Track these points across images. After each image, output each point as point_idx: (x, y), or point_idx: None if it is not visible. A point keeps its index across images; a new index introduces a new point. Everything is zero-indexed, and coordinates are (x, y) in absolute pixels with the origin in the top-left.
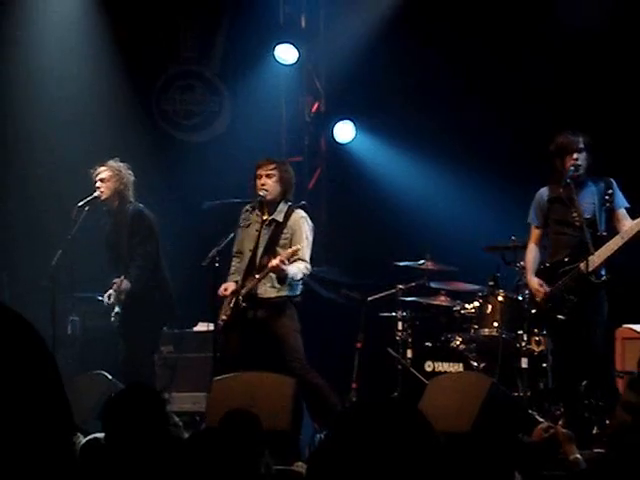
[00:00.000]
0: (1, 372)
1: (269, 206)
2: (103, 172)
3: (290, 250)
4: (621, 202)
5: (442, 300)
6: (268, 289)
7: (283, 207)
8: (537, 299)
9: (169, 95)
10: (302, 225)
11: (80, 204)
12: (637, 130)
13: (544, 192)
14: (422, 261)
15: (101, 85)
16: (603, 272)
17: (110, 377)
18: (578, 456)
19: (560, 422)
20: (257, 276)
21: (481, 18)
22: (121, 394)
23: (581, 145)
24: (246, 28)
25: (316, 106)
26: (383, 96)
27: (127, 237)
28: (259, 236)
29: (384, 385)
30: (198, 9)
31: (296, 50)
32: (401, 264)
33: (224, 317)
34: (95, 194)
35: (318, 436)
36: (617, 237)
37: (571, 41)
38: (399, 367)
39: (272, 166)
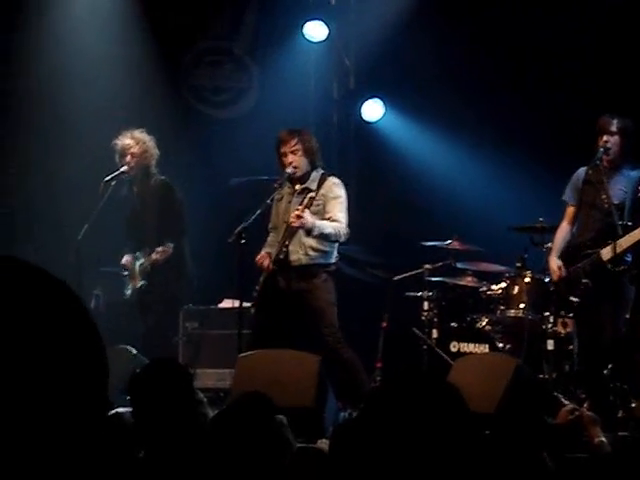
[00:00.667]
0: (47, 336)
1: (301, 178)
2: (130, 147)
3: (306, 199)
4: None
5: (469, 281)
6: (301, 256)
7: (316, 175)
8: (553, 280)
9: (198, 71)
10: (334, 189)
11: (107, 179)
12: None
13: (582, 172)
14: (449, 241)
15: (130, 61)
16: (629, 258)
17: (134, 351)
18: (603, 439)
19: (585, 405)
20: (286, 242)
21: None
22: (147, 368)
23: (613, 128)
24: (276, 5)
25: (345, 84)
26: (412, 74)
27: (156, 209)
28: (291, 206)
29: (409, 365)
30: None
31: (326, 27)
32: (428, 244)
33: (257, 288)
34: (123, 169)
35: (342, 414)
36: (635, 232)
37: (611, 15)
38: (424, 347)
39: (294, 141)
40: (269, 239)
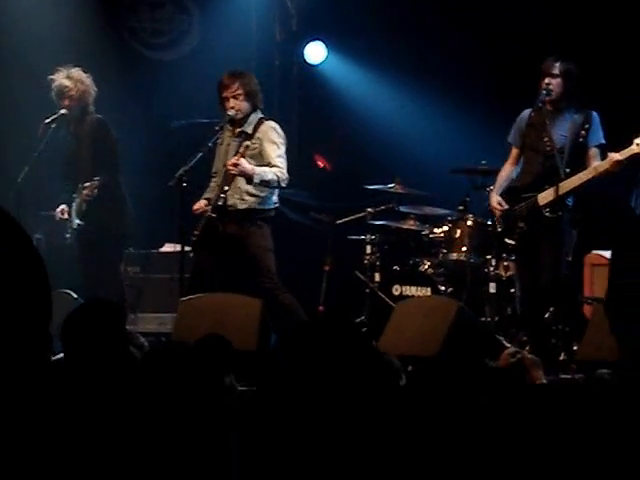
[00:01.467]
0: None
1: (240, 120)
2: (70, 88)
3: (242, 146)
4: (595, 139)
5: (411, 224)
6: (237, 201)
7: (254, 118)
8: (496, 216)
9: (138, 13)
10: (270, 134)
11: (47, 121)
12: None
13: (526, 114)
14: (392, 185)
15: (69, 3)
16: (570, 202)
17: (75, 296)
18: (544, 382)
19: (527, 348)
20: (224, 187)
21: None
22: (79, 310)
23: (555, 70)
24: None
25: (287, 26)
26: (354, 16)
27: (91, 147)
28: (228, 150)
29: (351, 309)
30: None
31: None
32: (370, 187)
33: (196, 232)
34: (62, 111)
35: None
36: (575, 177)
37: None
38: (367, 291)
39: (235, 85)
40: (211, 184)
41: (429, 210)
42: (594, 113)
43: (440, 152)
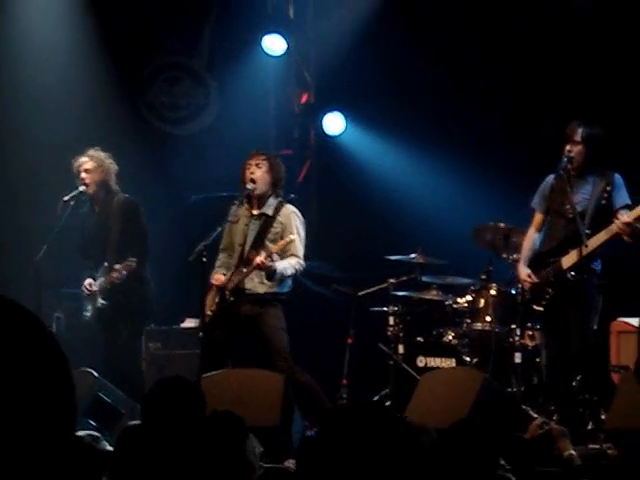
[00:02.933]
0: (16, 366)
1: (258, 200)
2: (86, 163)
3: (282, 242)
4: (621, 200)
5: (434, 294)
6: (257, 285)
7: (273, 202)
8: (525, 288)
9: (155, 87)
10: (293, 219)
11: (66, 198)
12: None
13: (550, 179)
14: (413, 255)
15: (86, 77)
16: (597, 267)
17: (96, 374)
18: (573, 452)
19: (554, 418)
20: (244, 270)
21: (471, 10)
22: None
23: (577, 137)
24: (233, 19)
25: (305, 97)
26: (373, 87)
27: (119, 227)
28: (247, 231)
29: (375, 381)
30: (185, 0)
31: (284, 40)
32: (392, 258)
33: (209, 312)
34: (81, 188)
35: (309, 433)
36: (594, 238)
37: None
38: (391, 363)
39: (262, 157)
40: (221, 260)
41: (451, 280)
42: (616, 175)
43: (462, 219)
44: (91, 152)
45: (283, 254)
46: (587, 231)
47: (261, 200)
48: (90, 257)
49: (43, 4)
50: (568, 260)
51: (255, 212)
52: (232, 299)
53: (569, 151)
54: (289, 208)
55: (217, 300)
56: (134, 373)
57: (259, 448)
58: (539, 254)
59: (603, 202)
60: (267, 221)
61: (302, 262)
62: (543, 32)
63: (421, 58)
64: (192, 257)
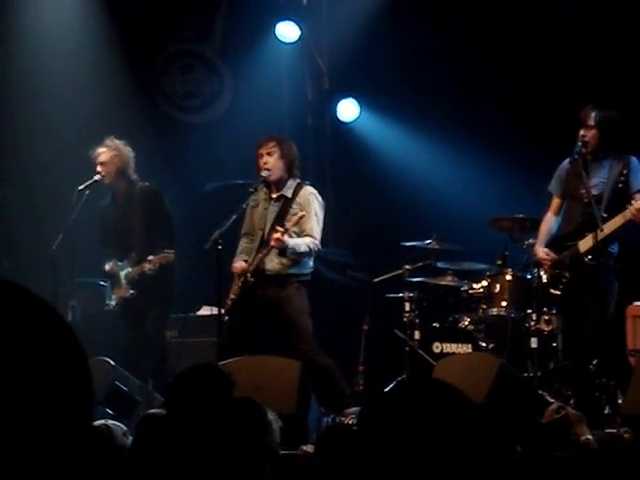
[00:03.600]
0: (33, 358)
1: (277, 184)
2: (103, 154)
3: (295, 218)
4: (637, 183)
5: (449, 280)
6: (276, 265)
7: (292, 183)
8: (544, 268)
9: (169, 76)
10: (312, 201)
11: (81, 188)
12: None
13: (566, 163)
14: (429, 241)
15: (100, 66)
16: (614, 250)
17: (113, 363)
18: (589, 437)
19: (571, 402)
20: (264, 251)
21: None
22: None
23: (591, 121)
24: (246, 6)
25: (319, 85)
26: (387, 74)
27: (143, 216)
28: (267, 213)
29: (391, 367)
30: None
31: (297, 28)
32: (407, 244)
33: (233, 296)
34: (96, 177)
35: (325, 419)
36: (611, 221)
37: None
38: (407, 349)
39: (272, 143)
40: (242, 245)
41: (467, 265)
42: (633, 158)
43: (476, 205)
44: (107, 142)
45: (300, 234)
46: (604, 215)
47: (279, 184)
48: (111, 247)
49: None
50: (585, 244)
51: (274, 195)
52: (252, 280)
53: (583, 135)
54: (308, 189)
55: (240, 284)
56: (158, 360)
57: (277, 424)
58: (557, 238)
59: (620, 185)
60: (286, 203)
61: (317, 242)
62: (556, 18)
63: (436, 44)
64: (208, 245)
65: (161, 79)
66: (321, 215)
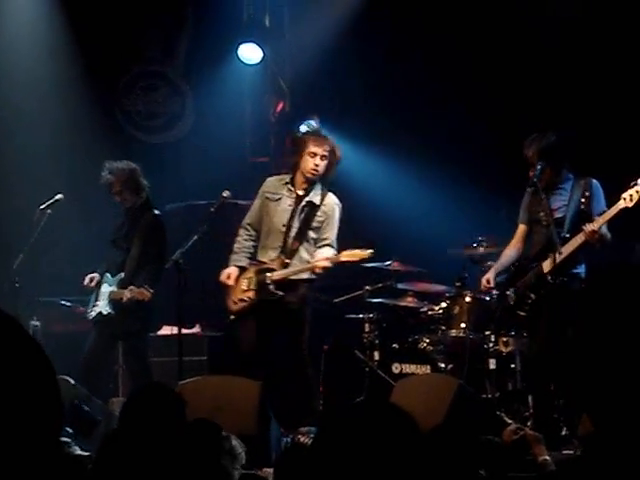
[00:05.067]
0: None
1: (306, 183)
2: (114, 185)
3: (328, 260)
4: (598, 207)
5: (409, 301)
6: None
7: (318, 188)
8: (510, 289)
9: (132, 96)
10: (336, 211)
11: (42, 207)
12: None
13: (529, 191)
14: (389, 262)
15: (62, 86)
16: (581, 270)
17: (73, 382)
18: (547, 458)
19: (529, 423)
20: (288, 261)
21: (452, 20)
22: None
23: (533, 157)
24: (209, 27)
25: (281, 106)
26: (348, 95)
27: (141, 244)
28: (292, 215)
29: (351, 388)
30: (161, 9)
31: (260, 49)
32: (368, 265)
33: (247, 297)
34: (57, 197)
35: (284, 440)
36: (569, 244)
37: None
38: (366, 369)
39: (329, 147)
40: (241, 242)
41: (427, 287)
42: (593, 181)
43: (437, 228)
44: (113, 169)
45: (318, 240)
46: (567, 236)
47: (306, 183)
48: (112, 258)
49: (19, 12)
50: (547, 265)
51: (301, 194)
52: (280, 293)
53: (532, 176)
54: (333, 199)
55: (251, 287)
56: (147, 374)
57: (242, 448)
58: (524, 260)
59: (582, 207)
60: (313, 209)
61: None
62: (525, 44)
63: (398, 67)
64: (168, 265)
65: (124, 99)
66: (337, 225)
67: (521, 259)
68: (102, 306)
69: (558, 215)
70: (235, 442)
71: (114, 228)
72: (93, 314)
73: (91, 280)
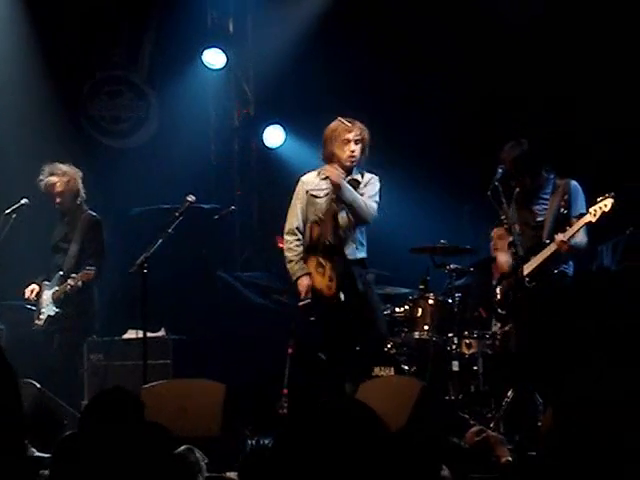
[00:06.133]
0: None
1: (345, 172)
2: (57, 184)
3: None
4: (575, 210)
5: None
6: (355, 250)
7: (356, 171)
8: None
9: (96, 101)
10: (375, 180)
11: (7, 211)
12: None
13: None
14: None
15: (26, 90)
16: (569, 269)
17: (39, 386)
18: (510, 459)
19: (491, 425)
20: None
21: (408, 19)
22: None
23: (513, 169)
24: (173, 33)
25: (245, 111)
26: (312, 100)
27: (79, 241)
28: (338, 204)
29: (315, 391)
30: (125, 14)
31: (224, 55)
32: None
33: (330, 287)
34: (23, 201)
35: (249, 442)
36: (544, 250)
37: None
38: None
39: (361, 131)
40: (294, 248)
41: (390, 289)
42: (572, 182)
43: (400, 231)
44: (55, 170)
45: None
46: (546, 241)
47: (348, 174)
48: (49, 264)
49: None
50: (527, 268)
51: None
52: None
53: (516, 186)
54: (371, 175)
55: (331, 279)
56: (74, 382)
57: (203, 460)
58: (517, 259)
59: (562, 211)
60: (356, 185)
61: (374, 210)
62: (496, 43)
63: (362, 71)
64: (133, 269)
65: (88, 104)
66: (379, 195)
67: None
68: (48, 310)
69: (539, 219)
70: (198, 454)
71: (53, 235)
72: (41, 322)
73: (32, 292)
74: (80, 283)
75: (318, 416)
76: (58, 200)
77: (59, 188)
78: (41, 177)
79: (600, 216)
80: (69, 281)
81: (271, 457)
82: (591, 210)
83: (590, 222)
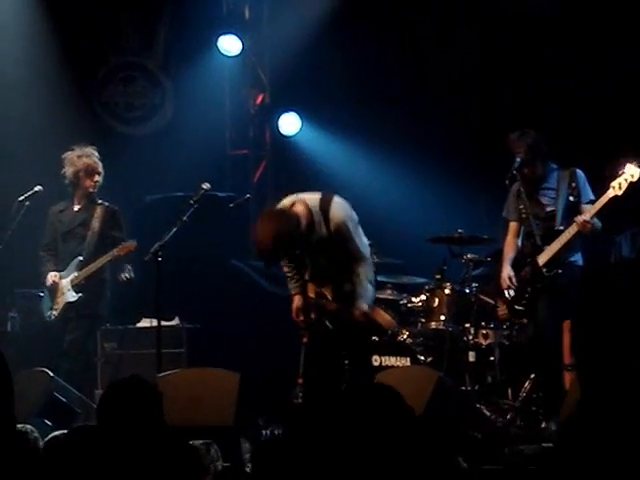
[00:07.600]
0: None
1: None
2: (99, 165)
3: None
4: (585, 197)
5: (389, 294)
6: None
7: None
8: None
9: (110, 87)
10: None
11: (21, 199)
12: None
13: (515, 186)
14: None
15: (42, 77)
16: (579, 260)
17: (51, 374)
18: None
19: (508, 416)
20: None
21: (426, 5)
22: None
23: (520, 149)
24: (189, 19)
25: (260, 98)
26: (327, 87)
27: (99, 231)
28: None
29: (330, 380)
30: (140, 0)
31: (240, 41)
32: None
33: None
34: (36, 188)
35: (264, 432)
36: (564, 233)
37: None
38: (345, 362)
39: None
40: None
41: (406, 279)
42: (578, 171)
43: (416, 220)
44: (95, 151)
45: None
46: (560, 228)
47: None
48: (57, 253)
49: None
50: (542, 258)
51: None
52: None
53: (526, 174)
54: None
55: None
56: (87, 370)
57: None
58: (519, 255)
59: (571, 199)
60: None
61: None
62: (505, 37)
63: (378, 58)
64: (148, 257)
65: (102, 90)
66: None
67: (517, 255)
68: (67, 297)
69: (549, 209)
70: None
71: (63, 221)
72: (55, 313)
73: (55, 277)
74: (122, 253)
75: (343, 399)
76: (97, 179)
77: (100, 169)
78: (79, 154)
79: (628, 187)
80: (113, 250)
81: (284, 447)
82: (614, 184)
83: (616, 196)
